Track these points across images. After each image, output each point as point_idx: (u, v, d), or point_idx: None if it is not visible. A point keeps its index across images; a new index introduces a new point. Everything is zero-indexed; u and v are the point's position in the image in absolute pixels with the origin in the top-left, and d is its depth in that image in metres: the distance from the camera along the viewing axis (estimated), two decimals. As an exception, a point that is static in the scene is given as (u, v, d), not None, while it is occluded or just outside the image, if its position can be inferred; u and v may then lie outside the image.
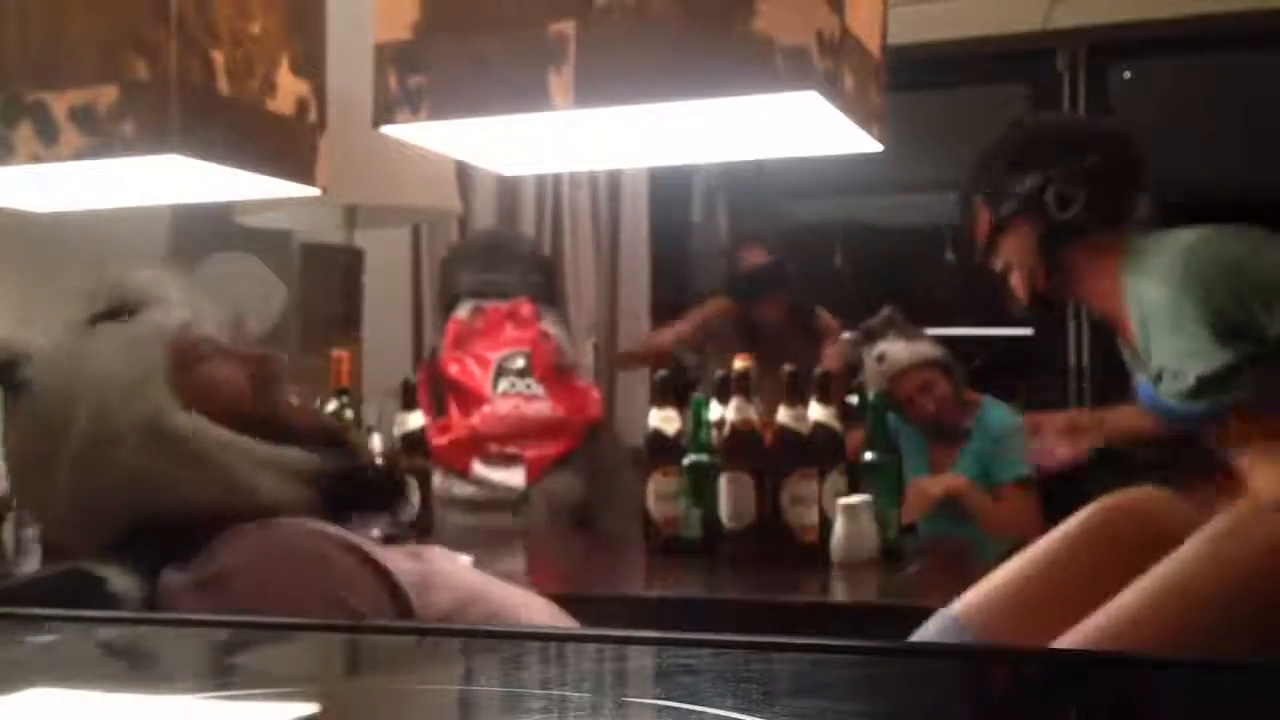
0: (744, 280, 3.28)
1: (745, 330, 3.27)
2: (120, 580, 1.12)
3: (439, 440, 2.80)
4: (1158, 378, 1.81)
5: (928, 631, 1.47)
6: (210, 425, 1.22)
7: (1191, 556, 1.36)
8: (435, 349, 3.23)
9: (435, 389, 3.04)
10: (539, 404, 2.94)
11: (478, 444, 2.89)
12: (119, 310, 1.32)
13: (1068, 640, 1.33)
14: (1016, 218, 1.94)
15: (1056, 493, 2.56)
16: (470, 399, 2.98)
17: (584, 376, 3.28)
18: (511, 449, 2.89)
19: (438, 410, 2.99)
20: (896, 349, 2.93)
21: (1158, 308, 1.79)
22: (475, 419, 2.91)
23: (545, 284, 3.26)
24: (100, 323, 1.29)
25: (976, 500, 2.79)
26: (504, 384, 2.88)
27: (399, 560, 1.21)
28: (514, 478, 2.86)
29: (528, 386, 2.91)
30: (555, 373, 3.00)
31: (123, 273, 1.39)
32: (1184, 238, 1.83)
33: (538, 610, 1.27)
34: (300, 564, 1.15)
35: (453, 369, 3.02)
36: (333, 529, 1.20)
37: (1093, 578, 1.46)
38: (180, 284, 1.41)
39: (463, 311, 3.12)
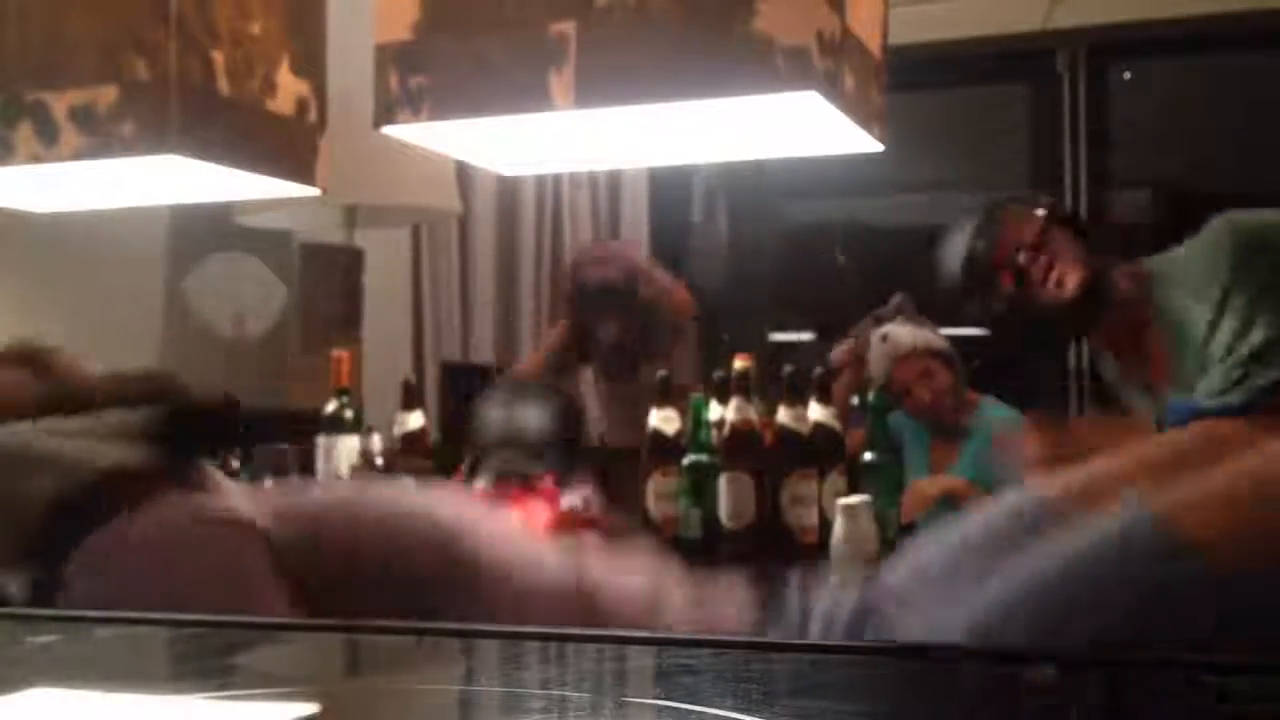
0: (592, 295, 3.22)
1: (587, 345, 3.23)
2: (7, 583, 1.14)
3: None
4: (1192, 380, 1.81)
5: (1003, 500, 1.41)
6: (19, 424, 1.22)
7: None
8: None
9: None
10: None
11: None
12: None
13: (1225, 474, 1.27)
14: (1062, 222, 2.00)
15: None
16: None
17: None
18: None
19: None
20: (901, 332, 2.94)
21: (1196, 302, 1.80)
22: None
23: (569, 450, 3.16)
24: None
25: (974, 501, 2.78)
26: None
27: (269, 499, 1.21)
28: None
29: None
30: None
31: None
32: (1211, 229, 1.85)
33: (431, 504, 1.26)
34: (183, 551, 1.14)
35: None
36: (198, 505, 1.19)
37: (1178, 468, 1.41)
38: None
39: (483, 483, 3.06)
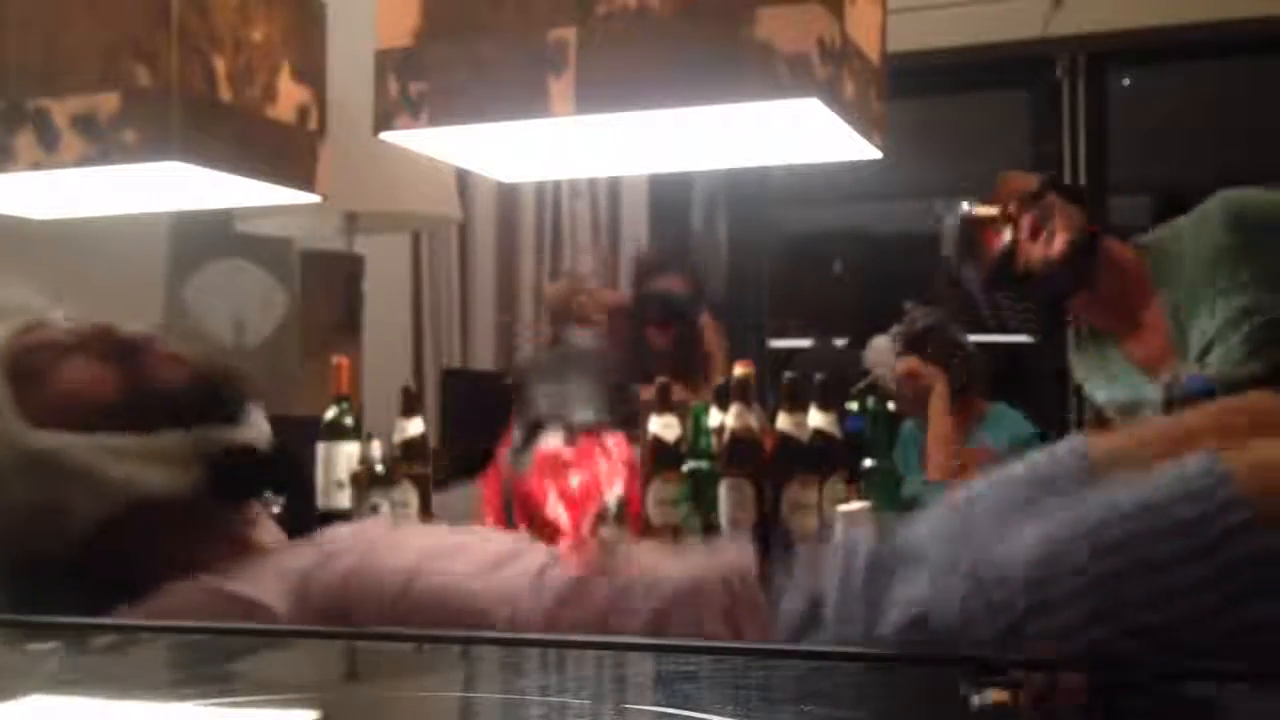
0: (653, 302, 3.24)
1: (634, 346, 3.25)
2: None
3: None
4: (1204, 352, 1.80)
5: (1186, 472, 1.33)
6: (71, 435, 1.15)
7: None
8: (515, 464, 3.12)
9: (508, 506, 3.00)
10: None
11: None
12: None
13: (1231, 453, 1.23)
14: (1049, 189, 2.00)
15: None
16: (554, 537, 2.92)
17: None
18: None
19: (508, 526, 2.96)
20: (880, 343, 2.98)
21: (1201, 279, 1.79)
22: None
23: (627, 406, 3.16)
24: None
25: (938, 402, 2.82)
26: (603, 530, 2.78)
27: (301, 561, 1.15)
28: None
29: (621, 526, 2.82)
30: None
31: None
32: (1217, 206, 1.84)
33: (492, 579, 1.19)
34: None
35: (547, 505, 2.95)
36: (220, 585, 1.12)
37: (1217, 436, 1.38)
38: (14, 279, 1.34)
39: (551, 441, 3.05)
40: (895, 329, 3.04)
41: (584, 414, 3.03)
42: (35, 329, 1.26)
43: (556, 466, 2.96)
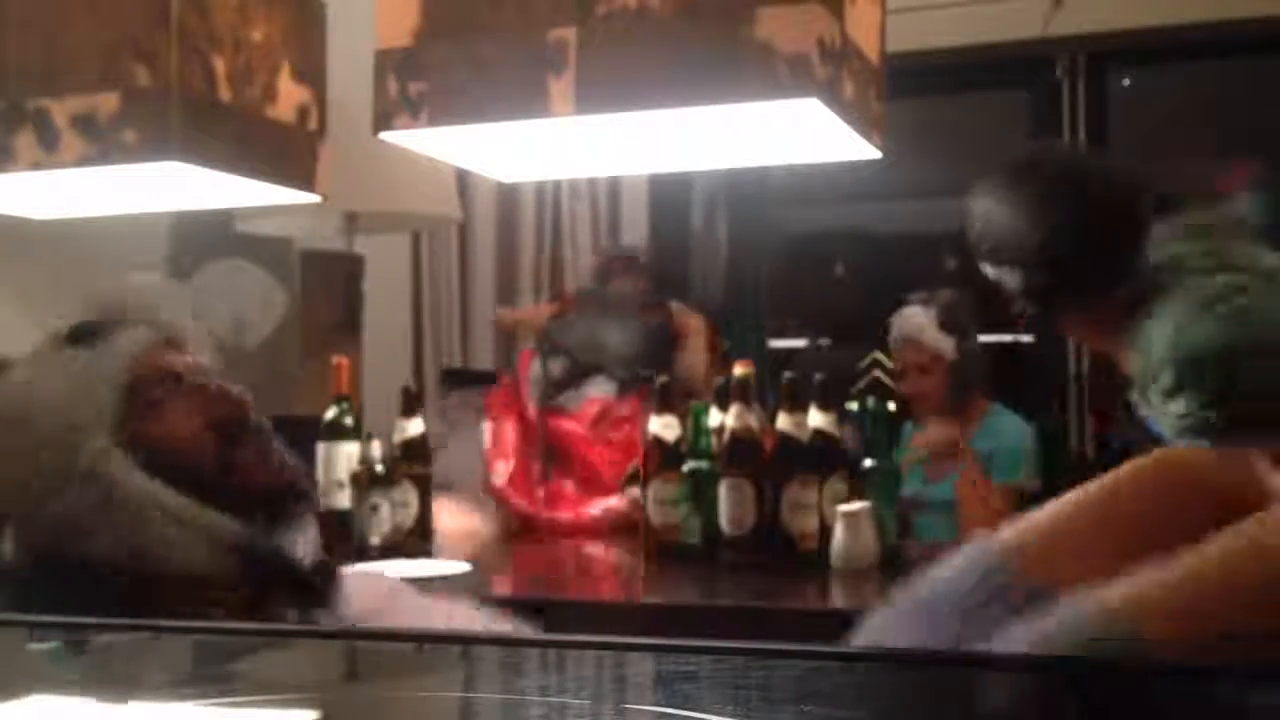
0: (606, 295, 3.21)
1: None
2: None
3: (554, 514, 2.75)
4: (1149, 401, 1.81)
5: (961, 559, 1.39)
6: (144, 479, 1.13)
7: (1241, 537, 1.32)
8: (541, 397, 3.07)
9: (546, 448, 2.96)
10: None
11: (595, 531, 2.80)
12: (93, 330, 1.22)
13: (1119, 587, 1.28)
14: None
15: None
16: (594, 484, 2.89)
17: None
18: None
19: (545, 473, 2.92)
20: (912, 313, 2.96)
21: (1152, 368, 1.79)
22: (598, 510, 2.82)
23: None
24: (71, 344, 1.20)
25: (968, 478, 2.77)
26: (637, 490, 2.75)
27: None
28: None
29: None
30: None
31: (108, 284, 1.30)
32: (1179, 312, 1.82)
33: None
34: None
35: (593, 450, 2.91)
36: None
37: (1143, 525, 1.40)
38: (170, 296, 1.31)
39: (604, 389, 3.02)
40: (919, 294, 3.03)
41: (628, 363, 3.01)
42: (168, 346, 1.24)
43: (606, 415, 2.93)
